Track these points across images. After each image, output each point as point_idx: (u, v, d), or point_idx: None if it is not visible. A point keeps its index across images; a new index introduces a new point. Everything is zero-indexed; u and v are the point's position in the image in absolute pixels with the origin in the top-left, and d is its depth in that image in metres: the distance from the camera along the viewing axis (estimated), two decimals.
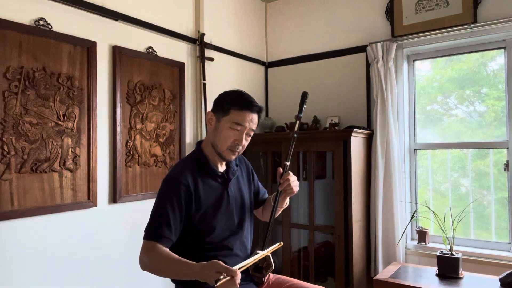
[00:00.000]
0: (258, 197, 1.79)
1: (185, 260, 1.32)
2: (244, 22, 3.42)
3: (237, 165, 1.66)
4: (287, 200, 1.69)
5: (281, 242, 1.49)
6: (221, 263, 1.22)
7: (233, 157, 1.54)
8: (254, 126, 1.53)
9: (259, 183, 1.83)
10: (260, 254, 1.40)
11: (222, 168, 1.59)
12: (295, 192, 1.59)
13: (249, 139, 1.55)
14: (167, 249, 1.40)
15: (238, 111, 1.48)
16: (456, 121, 2.96)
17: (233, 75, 3.28)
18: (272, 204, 1.59)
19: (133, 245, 2.42)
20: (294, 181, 1.56)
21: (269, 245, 1.48)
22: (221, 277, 1.17)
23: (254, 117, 1.52)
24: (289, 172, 1.57)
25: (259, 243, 1.56)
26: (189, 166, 1.52)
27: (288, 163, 1.58)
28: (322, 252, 3.07)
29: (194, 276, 1.27)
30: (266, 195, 1.84)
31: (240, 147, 1.52)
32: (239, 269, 1.23)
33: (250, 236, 1.68)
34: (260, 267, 1.51)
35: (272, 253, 1.48)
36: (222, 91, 1.59)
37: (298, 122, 1.63)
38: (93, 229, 2.24)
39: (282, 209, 1.69)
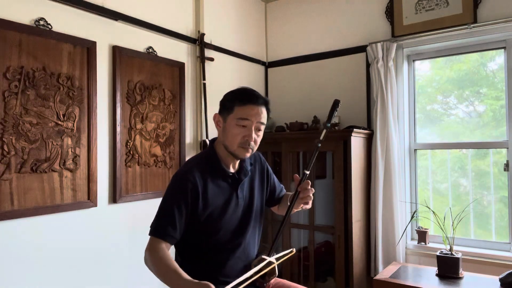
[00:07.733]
0: (274, 195, 1.74)
1: (181, 271, 1.29)
2: (244, 22, 3.42)
3: (251, 164, 1.61)
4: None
5: (293, 250, 1.44)
6: (213, 287, 1.17)
7: (248, 154, 1.49)
8: (262, 119, 1.48)
9: (276, 180, 1.77)
10: (269, 262, 1.36)
11: (234, 168, 1.55)
12: (309, 207, 1.52)
13: (260, 134, 1.51)
14: (169, 254, 1.37)
15: (241, 106, 1.45)
16: (456, 121, 2.96)
17: (233, 75, 3.28)
18: (289, 203, 1.52)
19: (133, 245, 2.43)
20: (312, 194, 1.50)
21: (276, 250, 1.44)
22: None
23: (260, 109, 1.48)
24: (308, 181, 1.48)
25: (267, 247, 1.51)
26: (199, 164, 1.50)
27: (307, 172, 1.48)
28: (322, 252, 3.07)
29: None
30: (284, 192, 1.78)
31: (252, 143, 1.47)
32: (239, 283, 1.19)
33: (256, 239, 1.64)
34: (263, 273, 1.46)
35: (276, 258, 1.43)
36: (222, 91, 1.58)
37: (325, 131, 1.51)
38: (93, 229, 2.24)
39: (297, 210, 1.62)
